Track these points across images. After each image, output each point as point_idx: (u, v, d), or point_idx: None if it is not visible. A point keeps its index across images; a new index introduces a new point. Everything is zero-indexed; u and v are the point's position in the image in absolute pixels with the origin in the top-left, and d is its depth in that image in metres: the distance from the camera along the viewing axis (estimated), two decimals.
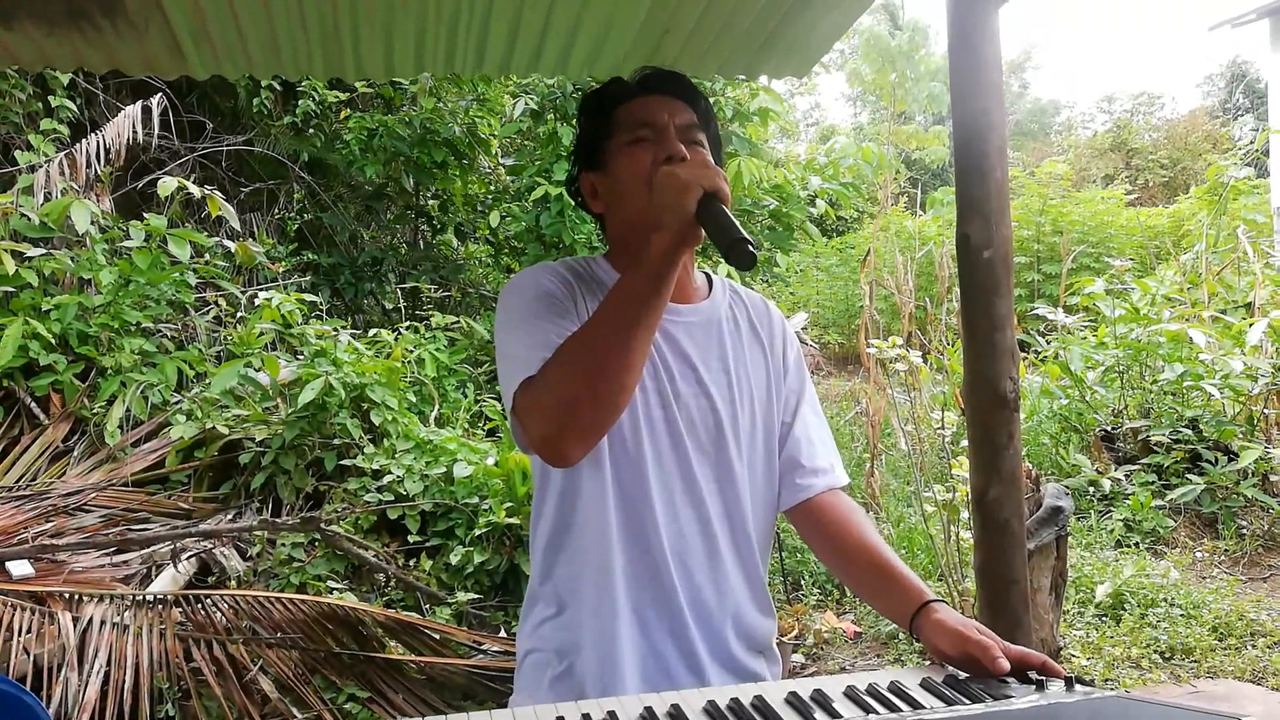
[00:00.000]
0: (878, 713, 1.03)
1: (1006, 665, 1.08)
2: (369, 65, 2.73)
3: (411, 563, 4.05)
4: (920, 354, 4.81)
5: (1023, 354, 8.95)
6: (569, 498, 1.34)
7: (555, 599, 1.37)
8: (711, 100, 7.44)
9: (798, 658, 3.95)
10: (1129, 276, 6.82)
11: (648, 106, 1.36)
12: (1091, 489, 5.42)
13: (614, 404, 1.19)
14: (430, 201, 8.79)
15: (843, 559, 1.40)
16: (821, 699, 1.06)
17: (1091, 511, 5.23)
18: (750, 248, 1.10)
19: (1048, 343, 6.92)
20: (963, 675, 1.12)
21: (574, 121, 7.21)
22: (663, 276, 1.17)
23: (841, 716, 1.02)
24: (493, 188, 8.89)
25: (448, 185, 8.42)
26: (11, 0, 2.23)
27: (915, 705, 1.05)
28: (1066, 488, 3.40)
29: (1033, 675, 1.09)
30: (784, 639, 3.69)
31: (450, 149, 8.02)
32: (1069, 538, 3.31)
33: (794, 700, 1.06)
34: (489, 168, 9.03)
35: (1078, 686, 1.05)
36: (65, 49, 2.51)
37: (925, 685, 1.10)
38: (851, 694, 1.08)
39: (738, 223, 1.13)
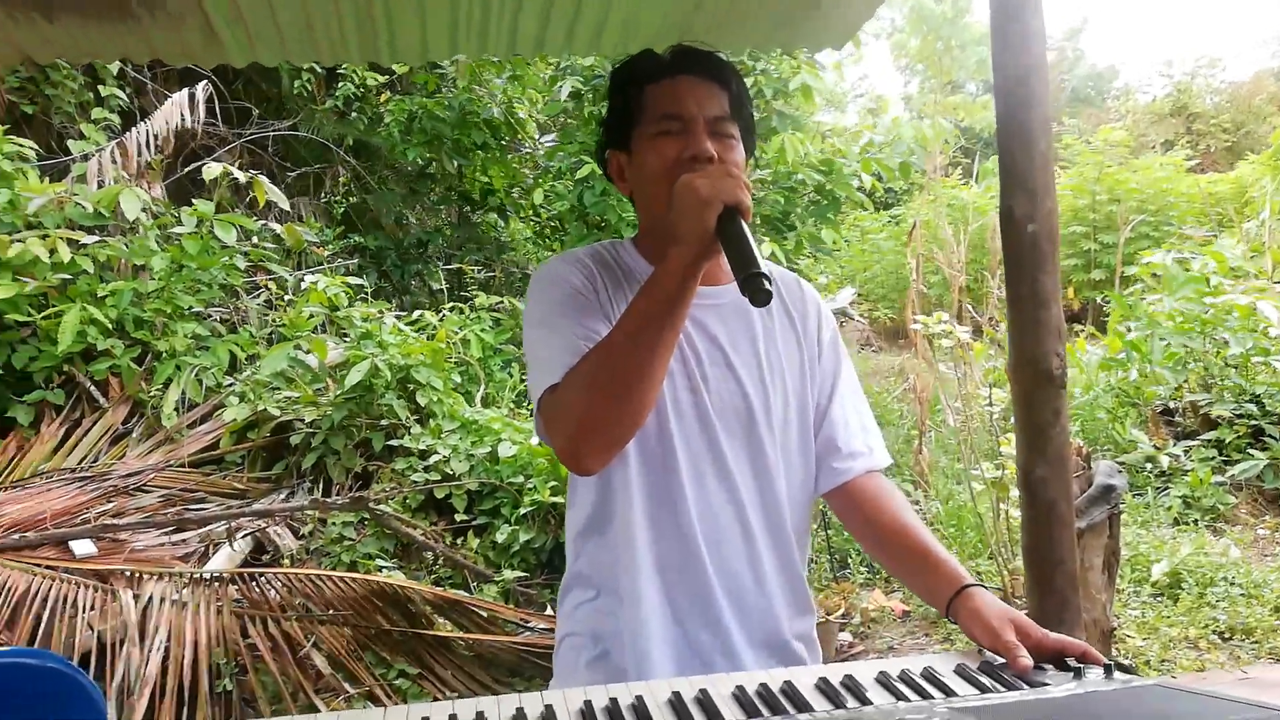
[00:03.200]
0: (909, 700, 1.02)
1: (1028, 664, 1.06)
2: (404, 48, 2.74)
3: (459, 541, 4.11)
4: (971, 329, 4.71)
5: (1080, 326, 8.74)
6: (600, 484, 1.33)
7: (590, 583, 1.37)
8: (751, 80, 7.26)
9: (845, 636, 3.93)
10: (1190, 245, 6.61)
11: (677, 92, 1.31)
12: (1149, 465, 5.29)
13: (633, 420, 1.19)
14: (474, 182, 8.84)
15: (879, 541, 1.38)
16: (853, 685, 1.05)
17: (1148, 488, 5.10)
18: (766, 284, 1.06)
19: (1107, 313, 6.75)
20: (999, 660, 1.10)
21: None
22: (681, 293, 1.16)
23: (872, 703, 1.01)
24: (537, 166, 8.90)
25: (488, 165, 8.44)
26: None
27: (948, 693, 1.03)
28: (1120, 464, 3.32)
29: (1072, 663, 1.07)
30: (830, 618, 3.68)
31: (489, 129, 8.04)
32: (1122, 515, 3.23)
33: (824, 686, 1.05)
34: (531, 147, 9.04)
35: (1117, 674, 1.02)
36: (107, 40, 2.55)
37: (960, 671, 1.08)
38: (884, 680, 1.06)
39: (757, 250, 1.09)
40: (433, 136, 7.88)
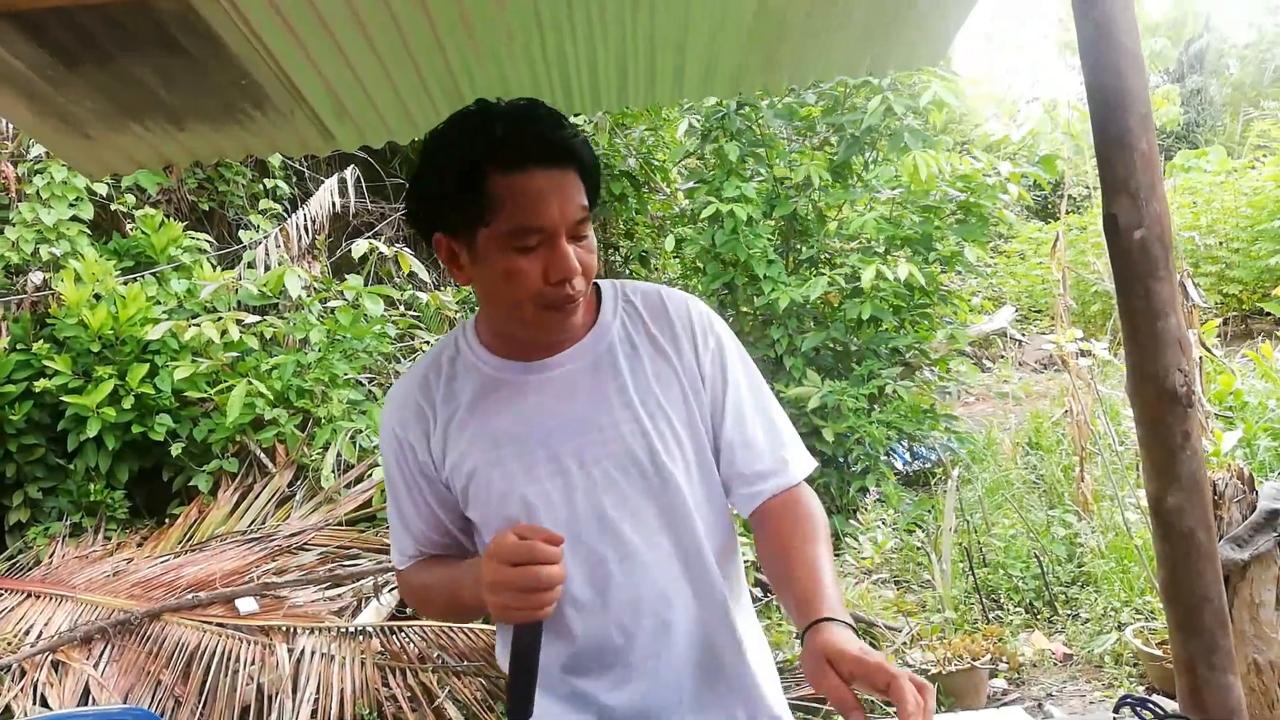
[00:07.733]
0: None
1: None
2: None
3: None
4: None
5: None
6: None
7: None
8: (879, 99, 6.99)
9: (998, 683, 3.66)
10: None
11: (536, 195, 1.13)
12: None
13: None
14: (617, 231, 9.07)
15: (768, 567, 1.27)
16: None
17: None
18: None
19: None
20: None
21: (740, 138, 7.11)
22: (484, 609, 1.17)
23: None
24: (674, 210, 9.04)
25: (627, 216, 8.64)
26: (179, 106, 2.52)
27: None
28: None
29: None
30: (976, 663, 3.44)
31: (629, 180, 8.24)
32: None
33: None
34: (668, 193, 9.19)
35: None
36: (232, 140, 2.81)
37: None
38: None
39: (531, 693, 1.10)
40: None
